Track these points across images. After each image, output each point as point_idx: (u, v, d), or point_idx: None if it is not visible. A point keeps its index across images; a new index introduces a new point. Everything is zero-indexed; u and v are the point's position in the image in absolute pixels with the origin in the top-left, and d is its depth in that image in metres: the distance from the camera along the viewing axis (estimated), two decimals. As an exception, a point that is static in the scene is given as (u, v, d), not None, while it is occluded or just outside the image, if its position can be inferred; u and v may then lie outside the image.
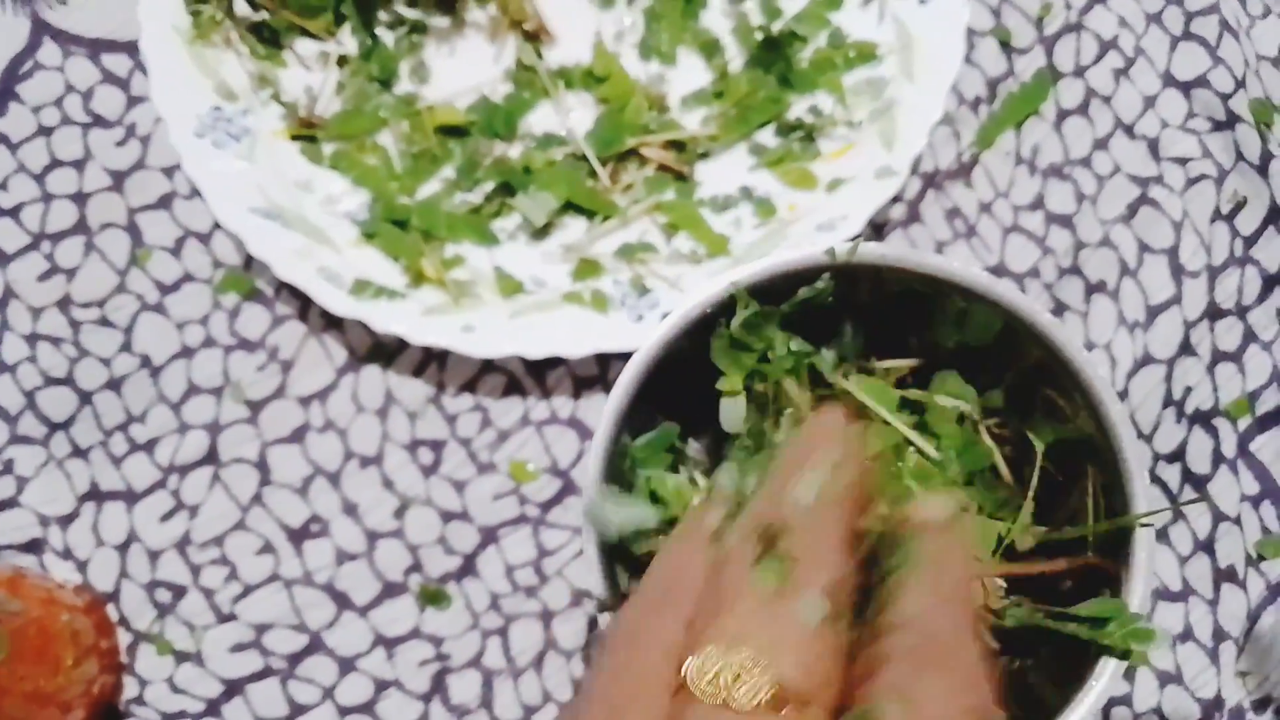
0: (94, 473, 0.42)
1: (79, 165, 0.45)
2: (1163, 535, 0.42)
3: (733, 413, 0.30)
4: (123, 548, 0.42)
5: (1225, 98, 0.45)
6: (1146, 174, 0.45)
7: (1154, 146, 0.45)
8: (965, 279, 0.29)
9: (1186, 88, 0.45)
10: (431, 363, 0.43)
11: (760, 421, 0.30)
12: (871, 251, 0.29)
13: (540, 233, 0.43)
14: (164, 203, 0.45)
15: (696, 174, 0.44)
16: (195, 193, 0.44)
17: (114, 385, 0.43)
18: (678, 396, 0.31)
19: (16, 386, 0.43)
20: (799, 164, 0.43)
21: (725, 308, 0.30)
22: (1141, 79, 0.46)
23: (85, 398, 0.43)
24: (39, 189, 0.44)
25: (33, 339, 0.43)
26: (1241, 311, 0.44)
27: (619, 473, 0.30)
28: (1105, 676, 0.27)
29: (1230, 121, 0.45)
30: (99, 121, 0.45)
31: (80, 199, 0.44)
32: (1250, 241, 0.44)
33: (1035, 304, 0.29)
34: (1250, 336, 0.44)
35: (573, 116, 0.44)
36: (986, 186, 0.45)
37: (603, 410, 0.29)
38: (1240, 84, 0.45)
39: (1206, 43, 0.45)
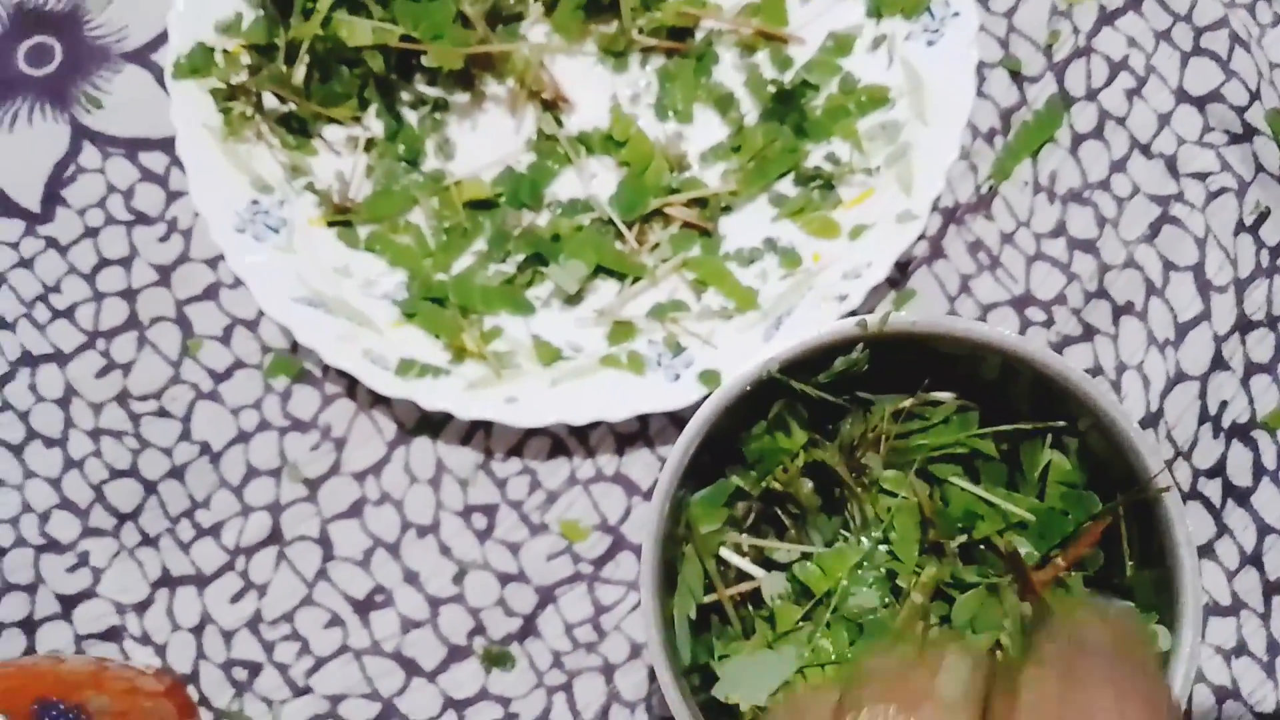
0: (164, 559, 0.44)
1: (125, 263, 0.46)
2: (1208, 550, 0.42)
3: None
4: (198, 630, 0.43)
5: (1240, 110, 0.45)
6: (1166, 192, 0.45)
7: (1172, 164, 0.45)
8: (995, 340, 0.30)
9: (1201, 103, 0.46)
10: (478, 430, 0.44)
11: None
12: (902, 321, 0.30)
13: (574, 299, 0.44)
14: (210, 293, 0.46)
15: (720, 228, 0.45)
16: (239, 281, 0.46)
17: (177, 473, 0.45)
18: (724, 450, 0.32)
19: (85, 481, 0.45)
20: (820, 213, 0.44)
21: (764, 384, 0.31)
22: (1155, 97, 0.46)
23: (150, 487, 0.45)
24: (90, 288, 0.46)
25: (96, 434, 0.45)
26: (1272, 322, 0.44)
27: (675, 537, 0.31)
28: None
29: (1247, 134, 0.45)
30: (141, 219, 0.47)
31: (130, 295, 0.46)
32: (1276, 252, 0.44)
33: (1064, 361, 0.29)
34: (1282, 346, 0.44)
35: (595, 181, 0.45)
36: (1007, 217, 0.46)
37: (655, 489, 0.30)
38: (1255, 95, 0.45)
39: (1218, 56, 0.46)
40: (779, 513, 0.34)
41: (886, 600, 0.32)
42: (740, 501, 0.35)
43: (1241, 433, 0.43)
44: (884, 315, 0.30)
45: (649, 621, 0.29)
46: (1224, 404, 0.43)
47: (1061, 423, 0.31)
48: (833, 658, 0.31)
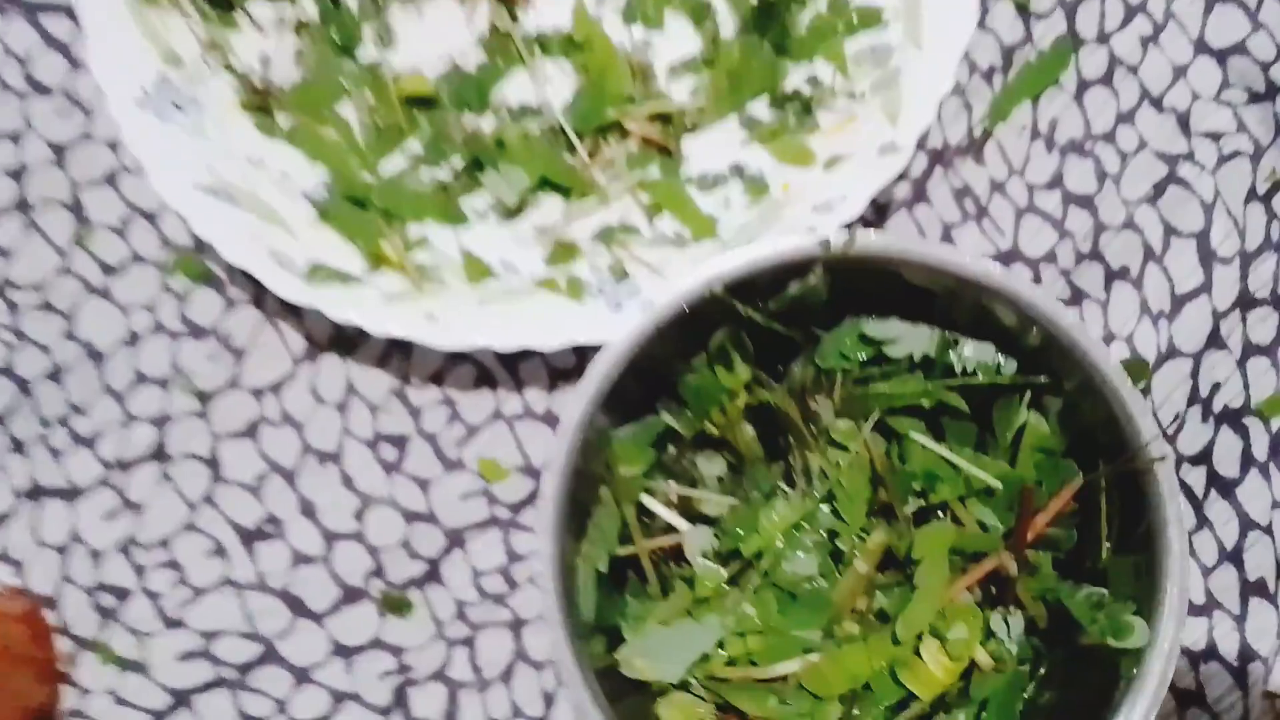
0: (33, 468, 0.39)
1: (15, 137, 0.41)
2: (1185, 544, 0.39)
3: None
4: (63, 549, 0.39)
5: (1265, 66, 0.41)
6: (1175, 150, 0.41)
7: (1184, 120, 0.41)
8: (979, 275, 0.25)
9: (1221, 56, 0.42)
10: (395, 353, 0.40)
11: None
12: (872, 242, 0.26)
13: (512, 213, 0.39)
14: (110, 179, 0.41)
15: (683, 150, 0.40)
16: (143, 168, 0.41)
17: (55, 375, 0.40)
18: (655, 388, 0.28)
19: (-50, 375, 0.40)
20: (795, 138, 0.39)
21: (706, 304, 0.26)
22: (1171, 46, 0.42)
23: (24, 387, 0.40)
24: (-26, 162, 0.41)
25: (-32, 324, 0.40)
26: (1277, 301, 0.40)
27: (589, 475, 0.27)
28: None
29: (1270, 92, 0.41)
30: (39, 89, 0.42)
31: (18, 173, 0.41)
32: (1288, 225, 0.40)
33: (1055, 304, 0.25)
34: (1286, 329, 0.40)
35: (550, 87, 0.41)
36: (1000, 164, 0.41)
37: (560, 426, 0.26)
38: (1281, 51, 0.41)
39: (1245, 5, 0.42)
40: (710, 461, 0.30)
41: (826, 569, 0.28)
42: (670, 445, 0.30)
43: (1233, 418, 0.40)
44: (850, 234, 0.25)
45: (546, 567, 0.24)
46: (1216, 386, 0.40)
47: (1044, 379, 0.27)
48: (759, 628, 0.27)
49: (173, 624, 0.38)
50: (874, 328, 0.28)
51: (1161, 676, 0.24)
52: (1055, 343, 0.26)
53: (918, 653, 0.26)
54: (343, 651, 0.38)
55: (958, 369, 0.28)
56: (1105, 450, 0.27)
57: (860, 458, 0.28)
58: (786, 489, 0.29)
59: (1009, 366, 0.27)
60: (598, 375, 0.26)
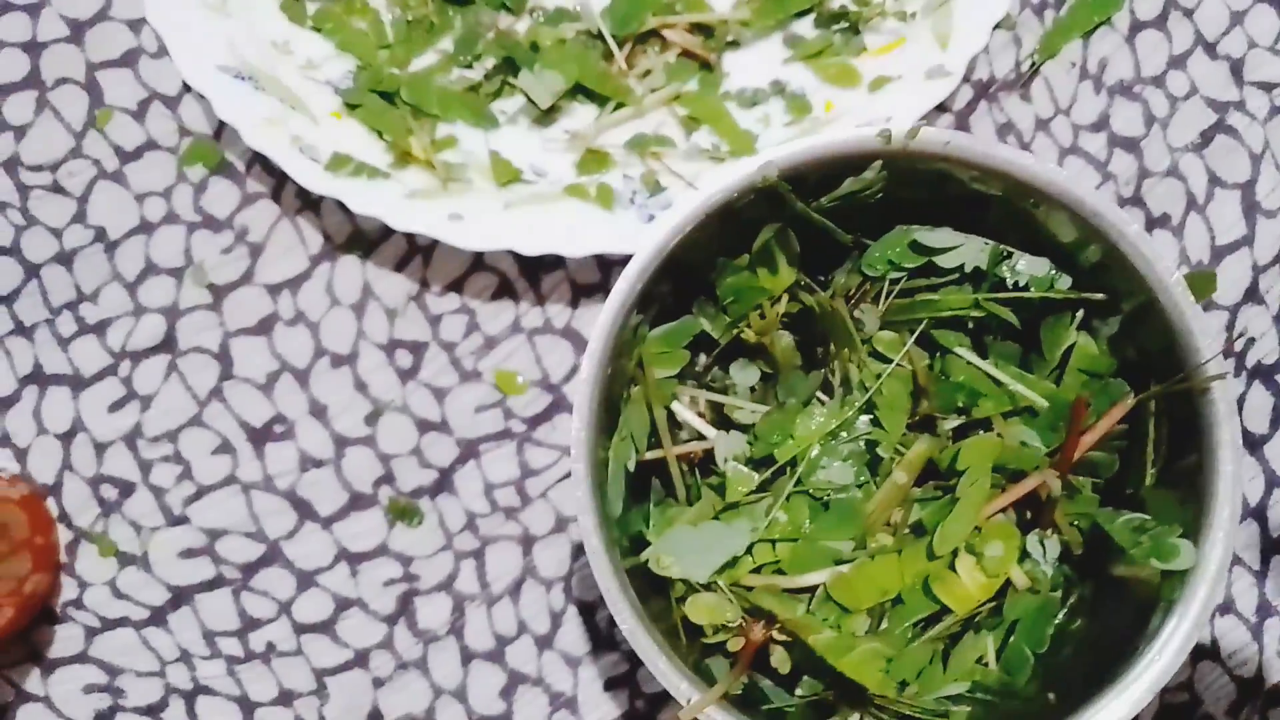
0: (38, 353, 0.38)
1: (32, 10, 0.40)
2: (1209, 498, 0.38)
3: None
4: (66, 437, 0.38)
5: (1324, 16, 0.40)
6: (1226, 98, 0.40)
7: (1237, 68, 0.40)
8: (1044, 179, 0.24)
9: (1280, 3, 0.40)
10: (416, 256, 0.39)
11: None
12: (934, 139, 0.24)
13: (544, 117, 0.38)
14: (128, 60, 0.40)
15: (724, 64, 0.39)
16: (162, 50, 0.40)
17: (64, 259, 0.39)
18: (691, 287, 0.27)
19: (-45, 253, 0.39)
20: (840, 58, 0.38)
21: (755, 198, 0.25)
22: (1230, -10, 0.41)
23: (32, 270, 0.39)
24: (-12, 34, 0.40)
25: (-25, 202, 0.39)
26: (1319, 258, 0.39)
27: (622, 373, 0.26)
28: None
29: (1328, 43, 0.40)
30: (57, -38, 0.40)
31: (33, 48, 0.40)
32: (1336, 181, 0.39)
33: (1119, 213, 0.24)
34: (1326, 287, 0.39)
35: (590, -10, 0.39)
36: (1046, 101, 0.40)
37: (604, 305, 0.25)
38: (1343, 1, 0.40)
39: (1308, -47, 0.40)
40: (743, 370, 0.29)
41: (862, 479, 0.27)
42: (701, 353, 0.29)
43: (1265, 374, 0.39)
44: (913, 127, 0.24)
45: (579, 452, 0.23)
46: (1251, 341, 0.39)
47: (1100, 296, 0.26)
48: (789, 536, 0.26)
49: (176, 520, 0.38)
50: (926, 236, 0.27)
51: (1208, 599, 0.24)
52: (1115, 256, 0.25)
53: (952, 568, 0.26)
54: (348, 557, 0.37)
55: (1009, 283, 0.27)
56: (1158, 375, 0.26)
57: (902, 369, 0.27)
58: (823, 399, 0.28)
59: (1062, 283, 0.26)
60: (645, 258, 0.25)
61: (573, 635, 0.37)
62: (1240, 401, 0.39)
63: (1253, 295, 0.39)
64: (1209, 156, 0.40)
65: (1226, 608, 0.38)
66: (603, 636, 0.37)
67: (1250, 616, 0.38)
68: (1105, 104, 0.40)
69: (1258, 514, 0.38)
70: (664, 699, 0.37)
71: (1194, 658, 0.37)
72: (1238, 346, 0.39)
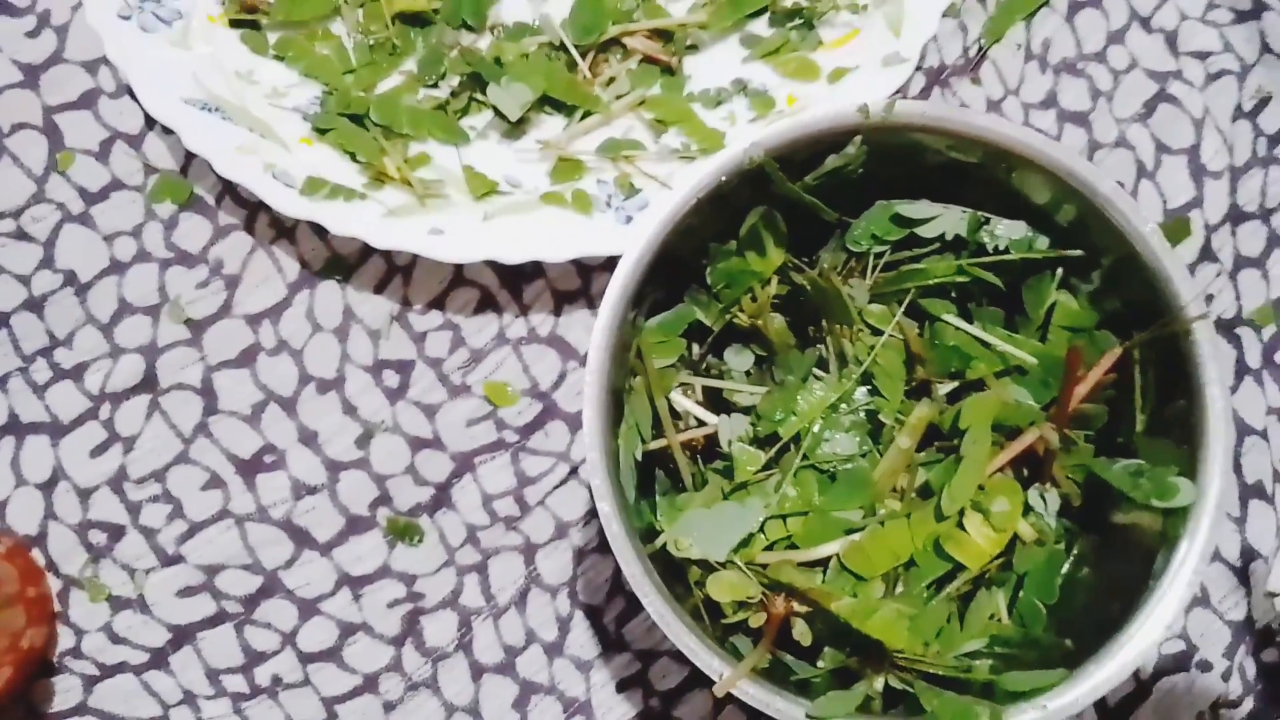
0: (12, 402, 0.38)
1: (-15, 58, 0.39)
2: (1185, 451, 0.39)
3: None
4: (47, 486, 0.37)
5: (1248, -14, 0.42)
6: (1165, 69, 0.42)
7: (1172, 40, 0.42)
8: (1019, 141, 0.25)
9: (1206, -24, 0.42)
10: (395, 276, 0.39)
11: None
12: (911, 109, 0.25)
13: (514, 129, 0.38)
14: (86, 100, 0.40)
15: (685, 67, 0.40)
16: (122, 90, 0.40)
17: (34, 305, 0.38)
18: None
19: (-80, 307, 0.38)
20: (798, 54, 0.39)
21: (742, 181, 0.26)
22: (1159, -33, 0.43)
23: (1, 319, 0.38)
24: (-60, 85, 0.39)
25: (-62, 254, 0.38)
26: (1266, 214, 0.41)
27: (623, 364, 0.26)
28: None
29: (1256, 10, 0.42)
30: (5, 8, 0.40)
31: (-12, 96, 0.39)
32: (1275, 140, 0.41)
33: (1093, 169, 0.25)
34: (1275, 241, 0.41)
35: (549, 5, 0.40)
36: (995, 83, 0.42)
37: (600, 307, 0.25)
38: (1265, -30, 0.42)
39: (1228, -73, 0.42)
40: (738, 355, 0.30)
41: (866, 448, 0.27)
42: (694, 343, 0.30)
43: (1226, 328, 0.40)
44: (890, 99, 0.25)
45: (593, 441, 0.24)
46: (1210, 297, 0.40)
47: (1077, 252, 0.27)
48: (800, 510, 0.27)
49: (170, 560, 0.37)
50: (906, 208, 0.27)
51: (1209, 531, 0.24)
52: (1090, 213, 0.26)
53: (961, 527, 0.26)
54: (350, 581, 0.37)
55: (990, 248, 0.28)
56: (1140, 326, 0.27)
57: (895, 339, 0.28)
58: (820, 375, 0.28)
59: (1040, 243, 0.27)
60: (641, 246, 0.25)
61: (582, 640, 0.37)
62: (1205, 356, 0.40)
63: (1207, 254, 0.41)
64: (1154, 125, 0.42)
65: (1214, 555, 0.39)
66: (611, 638, 0.37)
67: (1235, 561, 0.39)
68: (1052, 82, 0.42)
69: (1232, 462, 0.39)
70: (678, 695, 0.37)
71: (1185, 607, 0.38)
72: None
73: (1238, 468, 0.40)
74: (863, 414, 0.28)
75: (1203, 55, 0.42)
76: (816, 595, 0.25)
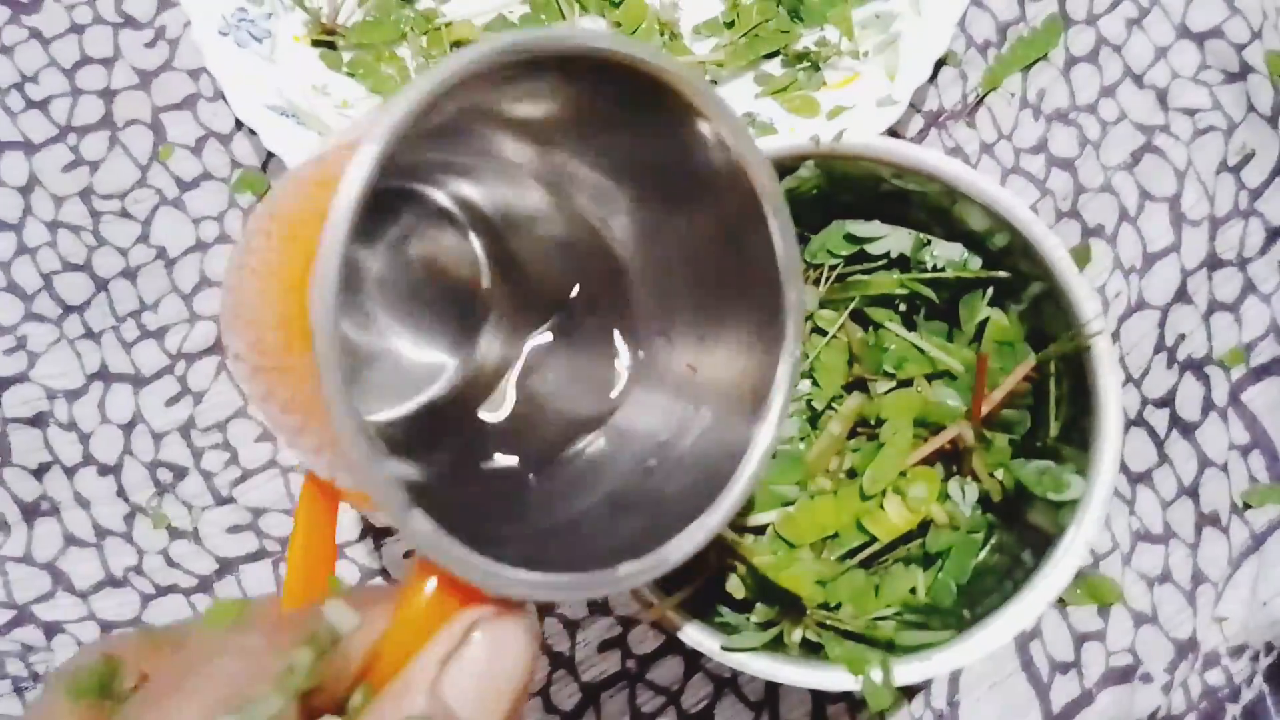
0: (104, 354, 0.44)
1: (108, 63, 0.46)
2: (1146, 479, 0.42)
3: None
4: (127, 427, 0.43)
5: (1240, 48, 0.45)
6: (1153, 122, 0.45)
7: (1162, 96, 0.45)
8: (949, 172, 0.29)
9: (1200, 38, 0.45)
10: (434, 268, 0.44)
11: None
12: (855, 141, 0.30)
13: (546, 146, 0.44)
14: (187, 103, 0.46)
15: (703, 99, 0.44)
16: (218, 95, 0.46)
17: (129, 274, 0.45)
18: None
19: (35, 269, 0.44)
20: (803, 92, 0.43)
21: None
22: (1155, 29, 0.46)
23: (101, 284, 0.44)
24: (68, 84, 0.46)
25: (54, 226, 0.45)
26: (1242, 263, 0.44)
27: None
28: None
29: (1243, 72, 0.44)
30: (130, 22, 0.47)
31: (107, 95, 0.46)
32: (1256, 194, 0.44)
33: (1021, 205, 0.29)
34: (1250, 288, 0.43)
35: (586, 38, 0.45)
36: (989, 127, 0.45)
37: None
38: (1256, 35, 0.45)
39: (1223, -6, 0.45)
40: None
41: (804, 433, 0.31)
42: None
43: (1196, 367, 0.43)
44: (838, 132, 0.29)
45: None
46: (1182, 336, 0.43)
47: (1004, 274, 0.31)
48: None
49: (223, 500, 0.43)
50: (857, 228, 0.31)
51: (1096, 521, 0.28)
52: (1016, 239, 0.30)
53: (882, 507, 0.30)
54: (374, 532, 0.42)
55: (930, 266, 0.31)
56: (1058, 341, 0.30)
57: (838, 340, 0.32)
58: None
59: (974, 263, 0.31)
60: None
61: (571, 603, 0.41)
62: (1173, 392, 0.43)
63: (1182, 296, 0.43)
64: (1139, 174, 0.44)
65: (1165, 577, 0.41)
66: (597, 603, 0.41)
67: (1186, 585, 0.41)
68: (1044, 129, 0.45)
69: (1191, 492, 0.42)
70: (653, 659, 0.41)
71: (1135, 623, 0.41)
72: (1169, 342, 0.43)
73: (1196, 497, 0.42)
74: (805, 403, 0.32)
75: (1191, 112, 0.45)
76: (745, 552, 0.29)
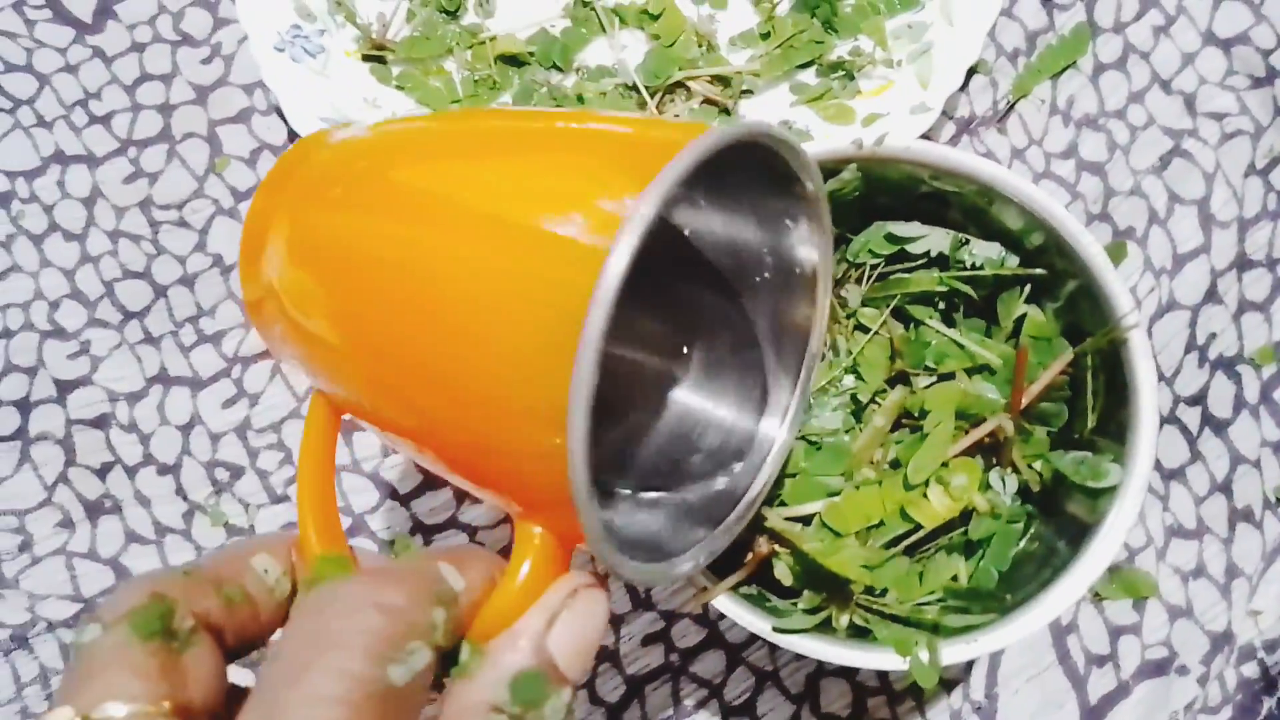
0: (164, 358, 0.45)
1: (167, 79, 0.48)
2: (1179, 475, 0.43)
3: None
4: (186, 428, 0.45)
5: (1266, 54, 0.46)
6: (1181, 127, 0.46)
7: (1190, 102, 0.46)
8: (989, 174, 0.30)
9: (1227, 45, 0.46)
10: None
11: None
12: (896, 145, 0.31)
13: (589, 154, 0.45)
14: (242, 117, 0.48)
15: (740, 109, 0.46)
16: (271, 109, 0.48)
17: (187, 281, 0.46)
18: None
19: (98, 277, 0.46)
20: (838, 100, 0.45)
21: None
22: (1182, 36, 0.47)
23: (160, 291, 0.46)
24: (129, 99, 0.48)
25: (115, 235, 0.47)
26: (1272, 264, 0.44)
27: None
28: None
29: (1270, 77, 0.45)
30: (187, 40, 0.49)
31: (166, 110, 0.48)
32: (1283, 196, 0.45)
33: (1057, 204, 0.30)
34: (1279, 288, 0.44)
35: (625, 52, 0.47)
36: (1020, 134, 0.46)
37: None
38: (1280, 42, 0.46)
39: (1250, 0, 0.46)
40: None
41: (849, 426, 0.33)
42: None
43: (1227, 365, 0.44)
44: (880, 136, 0.31)
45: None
46: (1213, 335, 0.44)
47: (1040, 271, 0.32)
48: (790, 473, 0.32)
49: (278, 499, 0.44)
50: (898, 228, 0.33)
51: (1132, 507, 0.29)
52: (1051, 237, 0.31)
53: (925, 496, 0.31)
54: (423, 529, 0.43)
55: (968, 265, 0.33)
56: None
57: (881, 337, 0.33)
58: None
59: (1011, 261, 0.32)
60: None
61: (616, 598, 0.42)
62: (1205, 391, 0.43)
63: (1212, 296, 0.44)
64: (1167, 177, 0.45)
65: (1199, 571, 0.42)
66: (641, 599, 0.42)
67: (1220, 579, 0.42)
68: (1073, 135, 0.46)
69: (1224, 487, 0.43)
70: (696, 652, 0.42)
71: (1171, 617, 0.42)
72: (1200, 341, 0.44)
73: (1229, 492, 0.43)
74: (848, 396, 0.33)
75: (1219, 116, 0.46)
76: (794, 538, 0.30)
